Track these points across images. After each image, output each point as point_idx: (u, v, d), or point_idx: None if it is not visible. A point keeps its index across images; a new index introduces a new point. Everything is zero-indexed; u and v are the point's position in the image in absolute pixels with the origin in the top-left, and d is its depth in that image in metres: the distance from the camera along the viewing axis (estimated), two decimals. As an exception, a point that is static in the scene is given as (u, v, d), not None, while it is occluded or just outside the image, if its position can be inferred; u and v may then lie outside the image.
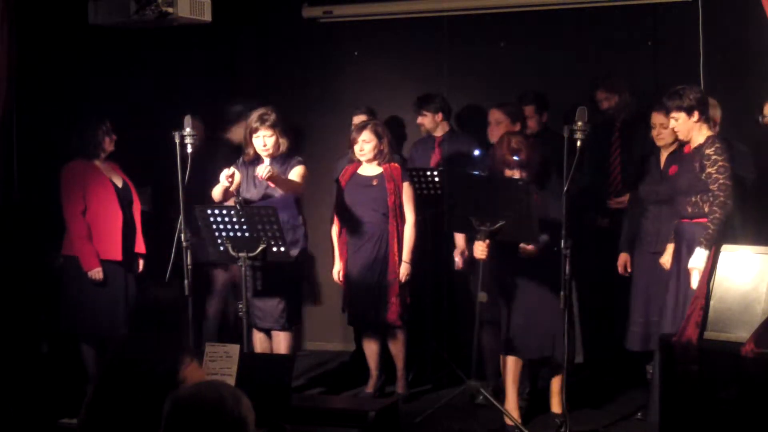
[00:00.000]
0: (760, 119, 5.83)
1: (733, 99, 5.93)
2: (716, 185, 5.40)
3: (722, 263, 5.06)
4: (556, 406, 5.90)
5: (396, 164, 6.40)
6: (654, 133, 5.93)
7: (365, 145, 6.28)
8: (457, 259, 6.41)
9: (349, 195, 6.38)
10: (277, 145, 6.07)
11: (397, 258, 6.29)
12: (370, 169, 6.37)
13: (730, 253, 5.08)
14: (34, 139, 6.37)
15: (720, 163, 5.42)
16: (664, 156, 5.96)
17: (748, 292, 4.96)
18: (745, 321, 4.89)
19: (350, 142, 6.40)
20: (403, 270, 6.30)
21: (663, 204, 5.86)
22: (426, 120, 7.15)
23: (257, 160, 6.13)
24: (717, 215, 5.37)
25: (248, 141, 6.10)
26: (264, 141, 6.05)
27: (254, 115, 6.06)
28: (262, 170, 5.83)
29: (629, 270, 6.01)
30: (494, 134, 6.38)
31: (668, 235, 5.79)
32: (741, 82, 6.52)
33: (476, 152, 6.30)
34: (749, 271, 4.99)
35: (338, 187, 6.44)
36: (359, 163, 6.38)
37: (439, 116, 7.11)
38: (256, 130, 6.04)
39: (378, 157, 6.31)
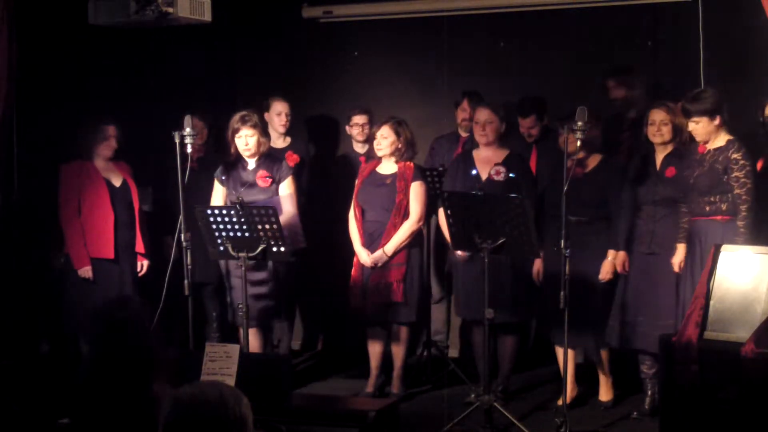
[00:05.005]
0: (761, 119, 5.84)
1: (733, 99, 5.92)
2: (744, 189, 5.46)
3: (722, 263, 5.06)
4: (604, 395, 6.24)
5: (411, 163, 6.41)
6: (653, 130, 5.91)
7: (383, 140, 6.32)
8: (460, 253, 6.31)
9: (363, 193, 6.42)
10: (258, 144, 6.20)
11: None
12: (387, 167, 6.40)
13: (730, 253, 5.09)
14: (34, 139, 6.37)
15: (747, 168, 5.50)
16: (659, 157, 5.95)
17: (748, 292, 4.97)
18: (745, 321, 4.91)
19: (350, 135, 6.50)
20: (377, 256, 6.26)
21: (658, 204, 5.87)
22: (465, 114, 7.10)
23: (239, 160, 6.23)
24: (748, 220, 5.46)
25: (230, 142, 6.23)
26: (246, 140, 6.20)
27: (236, 116, 6.21)
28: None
29: (628, 269, 6.02)
30: (484, 134, 6.30)
31: (663, 235, 5.82)
32: (741, 82, 6.51)
33: (473, 171, 6.28)
34: (749, 271, 5.00)
35: (357, 182, 6.52)
36: (379, 160, 6.42)
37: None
38: (237, 130, 6.20)
39: (395, 154, 6.33)
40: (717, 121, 5.57)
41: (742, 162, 5.49)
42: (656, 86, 7.07)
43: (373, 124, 6.75)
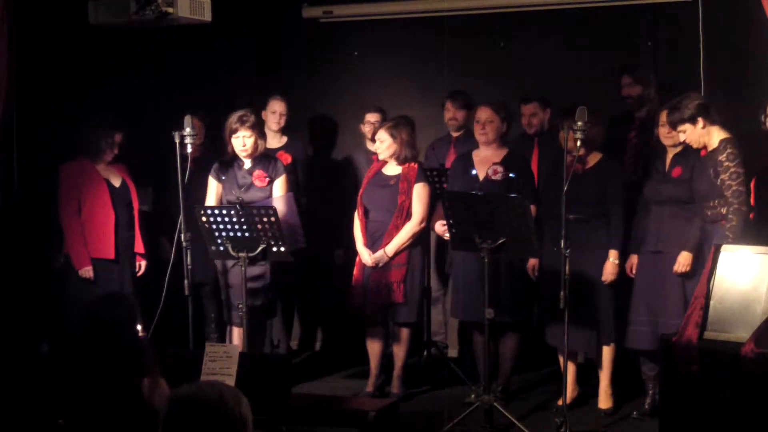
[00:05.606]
0: (763, 118, 5.83)
1: (733, 99, 5.93)
2: (730, 192, 5.44)
3: (722, 263, 5.06)
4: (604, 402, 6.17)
5: (415, 165, 6.41)
6: (664, 131, 5.90)
7: (380, 144, 6.38)
8: (442, 229, 6.32)
9: (367, 194, 6.44)
10: (255, 145, 6.17)
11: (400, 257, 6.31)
12: (392, 169, 6.42)
13: (730, 253, 5.08)
14: (34, 139, 6.37)
15: (732, 170, 5.45)
16: (669, 156, 5.95)
17: (748, 292, 4.97)
18: (745, 321, 4.90)
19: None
20: (377, 256, 6.28)
21: (665, 204, 5.86)
22: (449, 114, 7.14)
23: (235, 159, 6.21)
24: (733, 223, 5.43)
25: (227, 141, 6.21)
26: (243, 141, 6.15)
27: (234, 117, 6.16)
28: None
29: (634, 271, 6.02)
30: (484, 133, 6.28)
31: (669, 234, 5.81)
32: (741, 82, 6.51)
33: (472, 172, 6.28)
34: (749, 271, 4.99)
35: (363, 181, 6.54)
36: (386, 161, 6.44)
37: (462, 114, 7.11)
38: (236, 130, 6.14)
39: (395, 156, 6.35)
40: (701, 125, 5.56)
41: (726, 164, 5.46)
42: (657, 86, 7.06)
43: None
